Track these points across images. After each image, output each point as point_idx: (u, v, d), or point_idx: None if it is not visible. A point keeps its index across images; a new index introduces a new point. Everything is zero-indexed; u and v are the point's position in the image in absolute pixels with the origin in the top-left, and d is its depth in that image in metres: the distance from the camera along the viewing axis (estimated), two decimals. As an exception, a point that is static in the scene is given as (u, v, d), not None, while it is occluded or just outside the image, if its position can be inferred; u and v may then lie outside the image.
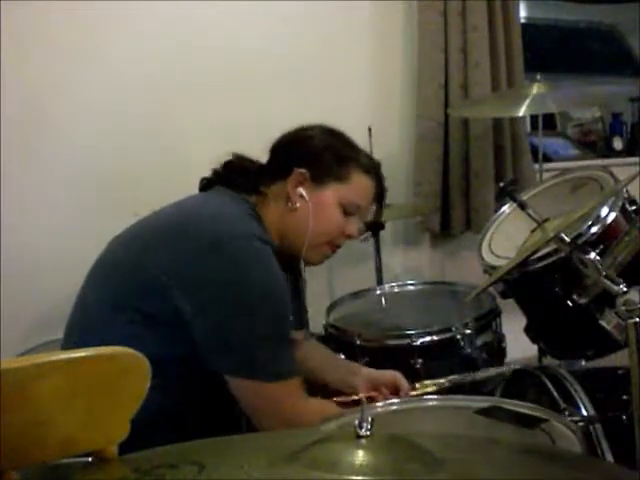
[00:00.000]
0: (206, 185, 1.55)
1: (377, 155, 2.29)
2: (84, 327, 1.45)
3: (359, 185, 1.49)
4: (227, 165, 1.54)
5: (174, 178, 2.20)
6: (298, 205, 1.45)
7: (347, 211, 1.48)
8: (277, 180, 1.48)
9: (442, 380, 1.56)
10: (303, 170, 1.45)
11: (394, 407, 1.27)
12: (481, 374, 1.62)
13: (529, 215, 1.51)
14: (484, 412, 1.23)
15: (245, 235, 1.35)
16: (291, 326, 1.41)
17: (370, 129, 2.24)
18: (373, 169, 1.52)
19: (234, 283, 1.33)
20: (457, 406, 1.30)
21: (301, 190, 1.45)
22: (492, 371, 1.66)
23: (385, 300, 2.11)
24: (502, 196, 1.60)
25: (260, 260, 1.35)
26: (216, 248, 1.33)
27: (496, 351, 1.82)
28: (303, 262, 1.56)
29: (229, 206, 1.44)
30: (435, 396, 1.38)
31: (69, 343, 1.46)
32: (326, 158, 1.48)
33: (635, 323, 1.11)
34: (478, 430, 1.21)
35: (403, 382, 1.59)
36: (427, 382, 1.55)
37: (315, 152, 1.49)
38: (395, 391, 1.60)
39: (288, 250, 1.49)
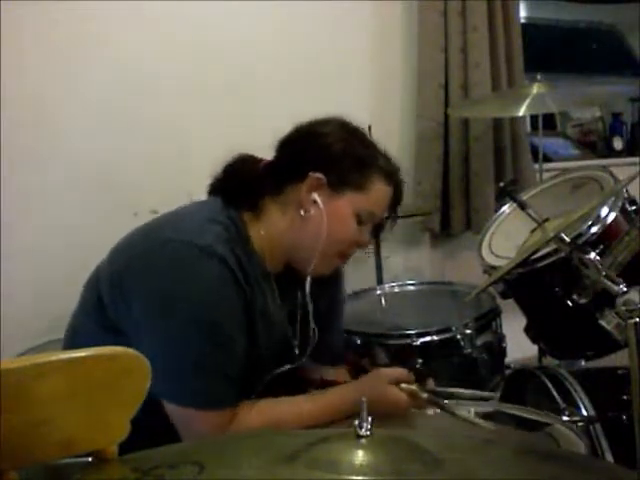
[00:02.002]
0: (210, 191, 1.44)
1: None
2: (72, 330, 1.44)
3: (378, 194, 1.37)
4: (225, 171, 1.42)
5: (174, 178, 2.21)
6: (312, 212, 1.33)
7: (362, 220, 1.36)
8: (287, 183, 1.36)
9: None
10: (320, 175, 1.32)
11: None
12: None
13: (529, 215, 1.51)
14: (487, 417, 1.23)
15: (199, 247, 1.24)
16: (230, 348, 1.27)
17: (370, 127, 2.23)
18: (394, 175, 1.40)
19: (164, 302, 1.24)
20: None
21: (315, 196, 1.33)
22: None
23: (385, 300, 2.11)
24: (502, 196, 1.61)
25: (196, 279, 1.23)
26: (147, 262, 1.27)
27: (496, 351, 1.82)
28: (310, 273, 1.39)
29: (194, 217, 1.33)
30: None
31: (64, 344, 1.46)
32: (346, 164, 1.34)
33: (635, 323, 1.11)
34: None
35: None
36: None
37: (334, 156, 1.35)
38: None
39: (294, 262, 1.39)
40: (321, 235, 1.32)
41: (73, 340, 1.42)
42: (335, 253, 1.38)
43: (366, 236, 1.40)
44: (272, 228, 1.36)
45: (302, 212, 1.33)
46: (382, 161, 1.39)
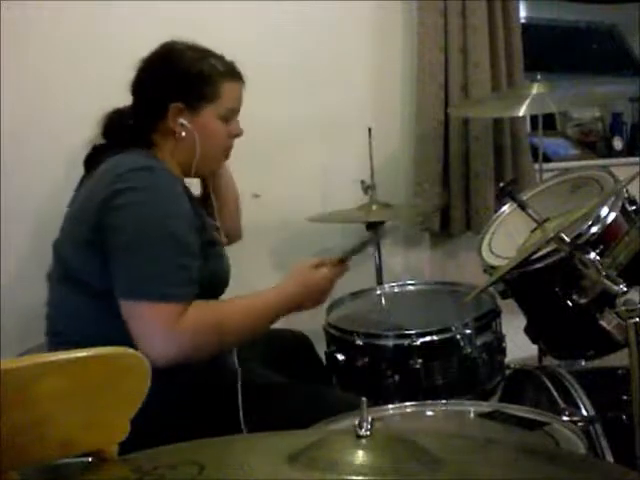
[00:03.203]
0: (90, 161, 1.58)
1: (377, 155, 2.30)
2: (49, 302, 1.55)
3: (230, 93, 1.58)
4: (108, 131, 1.60)
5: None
6: (184, 134, 1.54)
7: (227, 118, 1.58)
8: (156, 120, 1.54)
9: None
10: (178, 104, 1.52)
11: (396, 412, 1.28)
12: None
13: (529, 215, 1.51)
14: (486, 416, 1.23)
15: (140, 167, 1.43)
16: (186, 248, 1.41)
17: (370, 130, 2.24)
18: (234, 72, 1.59)
19: (129, 209, 1.39)
20: (459, 411, 1.31)
21: (181, 120, 1.53)
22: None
23: (385, 300, 2.11)
24: (502, 196, 1.61)
25: (155, 187, 1.41)
26: (112, 190, 1.40)
27: (496, 351, 1.82)
28: (206, 174, 1.69)
29: (128, 155, 1.50)
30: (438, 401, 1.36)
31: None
32: (194, 84, 1.53)
33: (635, 323, 1.11)
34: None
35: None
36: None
37: (181, 83, 1.53)
38: None
39: (191, 175, 1.62)
40: (198, 148, 1.54)
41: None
42: (219, 152, 1.63)
43: (236, 127, 1.63)
44: (168, 154, 1.56)
45: (177, 136, 1.54)
46: (220, 64, 1.57)
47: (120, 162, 1.47)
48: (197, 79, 1.53)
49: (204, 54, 1.57)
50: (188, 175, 1.61)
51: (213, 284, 1.52)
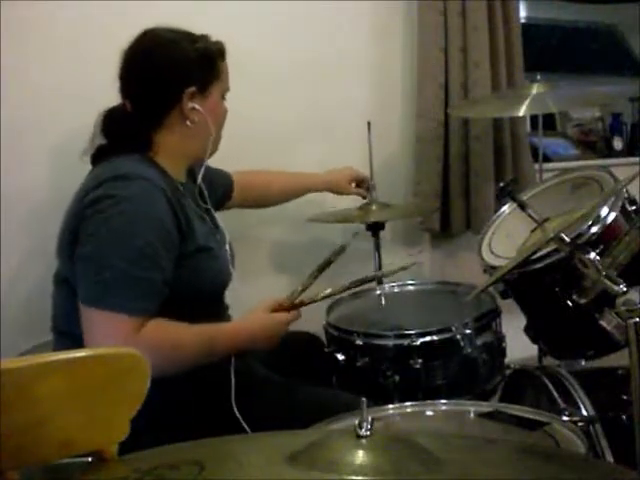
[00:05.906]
0: (96, 158, 1.57)
1: (377, 155, 2.30)
2: (52, 302, 1.56)
3: (225, 71, 1.60)
4: (108, 132, 1.57)
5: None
6: (196, 119, 1.54)
7: (223, 97, 1.62)
8: (165, 113, 1.53)
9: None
10: (190, 89, 1.52)
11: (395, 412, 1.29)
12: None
13: (529, 215, 1.51)
14: (486, 416, 1.23)
15: (119, 175, 1.42)
16: (155, 265, 1.39)
17: (369, 124, 2.23)
18: (224, 50, 1.59)
19: (98, 219, 1.39)
20: (460, 411, 1.31)
21: (193, 105, 1.53)
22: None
23: (385, 300, 2.11)
24: (502, 196, 1.61)
25: (129, 197, 1.40)
26: (94, 195, 1.42)
27: (496, 351, 1.82)
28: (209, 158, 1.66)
29: (117, 161, 1.49)
30: (439, 401, 1.36)
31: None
32: (203, 67, 1.54)
33: (635, 323, 1.11)
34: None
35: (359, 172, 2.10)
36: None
37: (192, 66, 1.54)
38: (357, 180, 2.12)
39: (197, 161, 1.63)
40: (210, 129, 1.56)
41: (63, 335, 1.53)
42: (220, 131, 1.63)
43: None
44: (170, 152, 1.55)
45: (189, 123, 1.54)
46: (211, 44, 1.57)
47: (107, 168, 1.48)
48: (203, 60, 1.54)
49: (193, 35, 1.57)
50: (201, 160, 1.63)
51: (207, 289, 1.52)
